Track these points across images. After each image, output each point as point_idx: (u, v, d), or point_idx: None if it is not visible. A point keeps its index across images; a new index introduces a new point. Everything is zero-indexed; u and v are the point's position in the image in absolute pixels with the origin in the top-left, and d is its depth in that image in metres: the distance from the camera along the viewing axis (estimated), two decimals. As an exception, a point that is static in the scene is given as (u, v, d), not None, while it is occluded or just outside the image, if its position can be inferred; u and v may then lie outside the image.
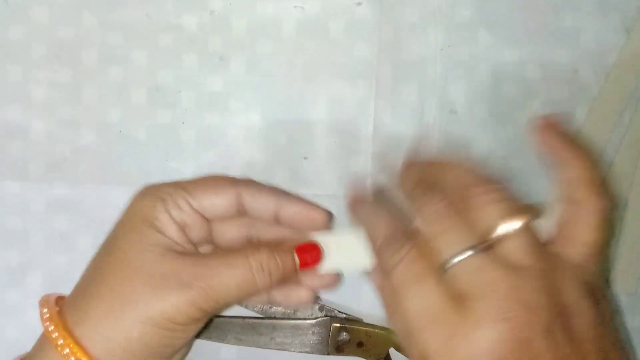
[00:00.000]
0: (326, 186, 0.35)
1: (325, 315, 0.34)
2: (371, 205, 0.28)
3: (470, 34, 0.35)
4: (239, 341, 0.34)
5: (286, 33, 0.35)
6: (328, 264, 0.30)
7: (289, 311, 0.34)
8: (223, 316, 0.34)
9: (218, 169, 0.35)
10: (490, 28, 0.35)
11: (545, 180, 0.35)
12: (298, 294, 0.31)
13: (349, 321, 0.34)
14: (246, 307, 0.34)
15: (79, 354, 0.26)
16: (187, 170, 0.35)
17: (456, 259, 0.24)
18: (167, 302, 0.26)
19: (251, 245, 0.30)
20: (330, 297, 0.35)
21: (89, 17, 0.34)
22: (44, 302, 0.28)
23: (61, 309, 0.28)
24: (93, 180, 0.35)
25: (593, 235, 0.25)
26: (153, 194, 0.29)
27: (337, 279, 0.31)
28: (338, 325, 0.34)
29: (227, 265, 0.27)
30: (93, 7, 0.34)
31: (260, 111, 0.35)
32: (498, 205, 0.25)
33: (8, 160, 0.35)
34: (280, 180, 0.35)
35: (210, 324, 0.34)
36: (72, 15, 0.34)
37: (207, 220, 0.30)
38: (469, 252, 0.23)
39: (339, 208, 0.35)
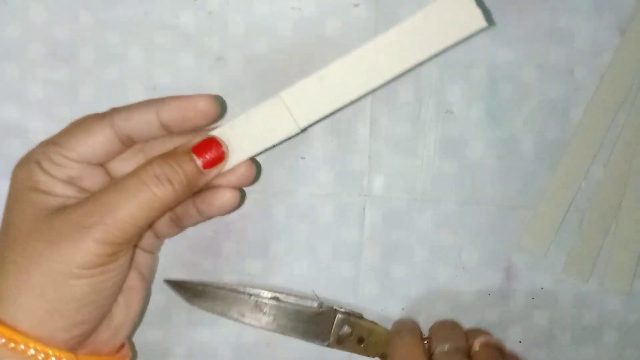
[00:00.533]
0: (323, 186, 0.35)
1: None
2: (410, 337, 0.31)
3: (466, 34, 0.35)
4: (241, 316, 0.34)
5: (283, 33, 0.35)
6: (237, 154, 0.28)
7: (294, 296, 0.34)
8: (231, 290, 0.34)
9: (215, 168, 0.35)
10: (486, 28, 0.35)
11: (541, 181, 0.35)
12: (221, 198, 0.29)
13: (351, 315, 0.34)
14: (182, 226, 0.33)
15: (7, 334, 0.25)
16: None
17: None
18: (67, 252, 0.25)
19: (143, 163, 0.28)
20: (327, 294, 0.35)
21: (86, 16, 0.34)
22: None
23: None
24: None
25: None
26: (27, 160, 0.28)
27: (251, 167, 0.30)
28: (342, 316, 0.34)
29: (120, 190, 0.26)
30: (90, 6, 0.34)
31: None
32: None
33: (5, 159, 0.34)
34: (277, 179, 0.35)
35: (216, 295, 0.33)
36: (69, 13, 0.34)
37: (98, 165, 0.29)
38: None
39: (336, 207, 0.35)
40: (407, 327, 0.33)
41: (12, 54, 0.34)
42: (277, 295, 0.34)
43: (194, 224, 0.33)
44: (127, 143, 0.29)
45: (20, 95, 0.34)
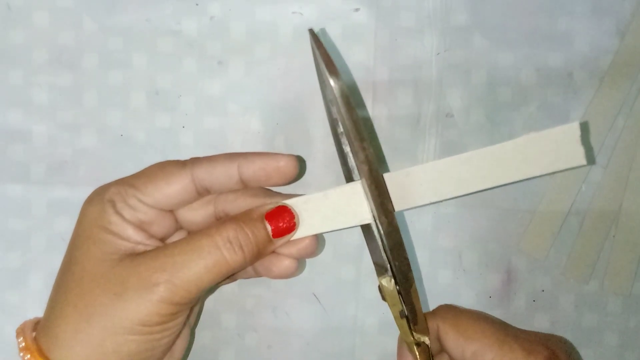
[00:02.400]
0: (324, 188, 0.35)
1: None
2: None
3: (465, 38, 0.35)
4: None
5: (284, 38, 0.35)
6: (304, 229, 0.28)
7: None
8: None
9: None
10: (485, 32, 0.35)
11: (541, 184, 0.36)
12: (279, 265, 0.29)
13: None
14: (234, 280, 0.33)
15: None
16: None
17: None
18: (131, 307, 0.25)
19: (216, 222, 0.28)
20: (327, 297, 0.35)
21: (89, 22, 0.35)
22: (20, 330, 0.27)
23: (37, 335, 0.27)
24: (94, 183, 0.34)
25: None
26: (100, 198, 0.27)
27: (314, 241, 0.29)
28: None
29: (192, 249, 0.26)
30: (93, 12, 0.35)
31: (258, 115, 0.35)
32: None
33: (10, 163, 0.35)
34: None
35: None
36: (72, 20, 0.35)
37: (168, 211, 0.28)
38: None
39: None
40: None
41: (16, 60, 0.35)
42: None
43: (246, 279, 0.32)
44: (203, 193, 0.29)
45: (24, 101, 0.35)
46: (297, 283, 0.36)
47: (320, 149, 0.35)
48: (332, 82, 0.23)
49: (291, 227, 0.28)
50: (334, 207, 0.28)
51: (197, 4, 0.35)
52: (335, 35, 0.35)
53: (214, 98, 0.35)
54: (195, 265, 0.25)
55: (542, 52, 0.35)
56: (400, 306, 0.29)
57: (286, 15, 0.35)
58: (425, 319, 0.29)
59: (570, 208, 0.35)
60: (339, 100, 0.23)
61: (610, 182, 0.35)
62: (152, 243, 0.27)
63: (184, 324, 0.29)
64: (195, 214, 0.29)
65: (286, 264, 0.29)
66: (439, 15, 0.35)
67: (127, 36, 0.35)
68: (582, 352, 0.36)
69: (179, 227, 0.30)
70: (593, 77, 0.35)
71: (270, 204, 0.28)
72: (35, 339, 0.26)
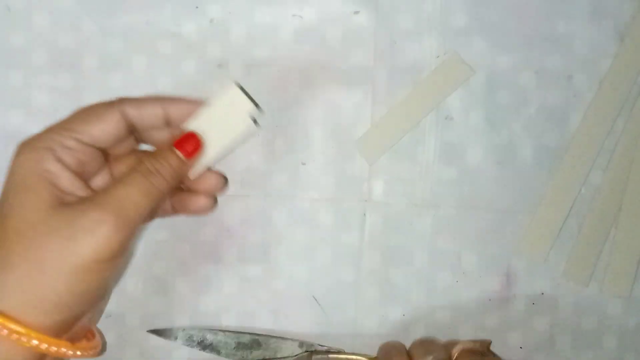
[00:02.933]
0: (324, 190, 0.36)
1: (306, 351, 0.34)
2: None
3: (464, 41, 0.35)
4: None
5: (284, 40, 0.35)
6: (214, 145, 0.31)
7: (269, 354, 0.34)
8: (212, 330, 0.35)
9: (216, 174, 0.35)
10: (485, 35, 0.35)
11: (540, 186, 0.36)
12: (196, 202, 0.32)
13: (331, 353, 0.34)
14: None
15: (10, 325, 0.25)
16: (186, 175, 0.35)
17: None
18: (84, 246, 0.26)
19: (136, 160, 0.30)
20: (327, 299, 0.36)
21: (89, 24, 0.35)
22: None
23: None
24: (93, 185, 0.35)
25: None
26: (33, 145, 0.28)
27: (221, 179, 0.32)
28: (319, 357, 0.34)
29: (125, 183, 0.28)
30: (93, 14, 0.35)
31: (258, 117, 0.35)
32: None
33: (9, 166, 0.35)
34: (278, 185, 0.35)
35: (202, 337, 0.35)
36: (72, 22, 0.35)
37: (99, 150, 0.30)
38: None
39: (336, 212, 0.35)
40: (394, 349, 0.33)
41: (16, 62, 0.35)
42: (258, 338, 0.34)
43: (165, 217, 0.33)
44: (131, 131, 0.30)
45: (24, 102, 0.35)
46: (297, 286, 0.36)
47: (319, 150, 0.35)
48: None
49: (197, 146, 0.30)
50: (223, 115, 0.31)
51: (197, 7, 0.35)
52: (335, 37, 0.35)
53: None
54: (132, 195, 0.27)
55: (542, 54, 0.35)
56: None
57: (286, 18, 0.35)
58: None
59: (569, 211, 0.35)
60: None
61: (610, 185, 0.36)
62: (83, 193, 0.28)
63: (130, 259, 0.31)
64: (122, 163, 0.31)
65: (202, 200, 0.32)
66: (438, 18, 0.35)
67: (127, 38, 0.35)
68: (582, 354, 0.36)
69: (105, 173, 0.31)
70: (592, 79, 0.35)
71: (176, 134, 0.30)
72: None
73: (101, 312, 0.33)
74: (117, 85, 0.35)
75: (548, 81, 0.35)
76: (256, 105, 0.31)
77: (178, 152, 0.30)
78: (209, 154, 0.31)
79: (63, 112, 0.35)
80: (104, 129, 0.29)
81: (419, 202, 0.36)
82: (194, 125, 0.30)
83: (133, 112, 0.30)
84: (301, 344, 0.34)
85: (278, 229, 0.35)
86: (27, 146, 0.28)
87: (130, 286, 0.35)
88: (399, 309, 0.36)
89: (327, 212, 0.36)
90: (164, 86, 0.35)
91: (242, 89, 0.30)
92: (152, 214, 0.32)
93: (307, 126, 0.35)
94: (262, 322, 0.36)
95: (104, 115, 0.29)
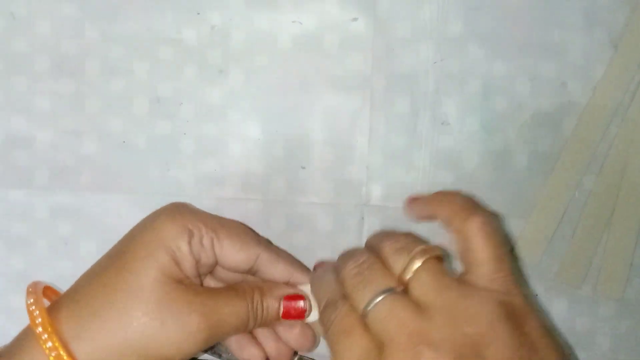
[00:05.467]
0: (323, 195, 0.36)
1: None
2: (322, 272, 0.29)
3: (460, 48, 0.36)
4: None
5: (283, 47, 0.36)
6: (312, 317, 0.30)
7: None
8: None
9: (217, 179, 0.36)
10: (480, 42, 0.36)
11: (534, 191, 0.36)
12: (251, 351, 0.31)
13: None
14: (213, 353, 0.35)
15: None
16: (187, 180, 0.36)
17: (370, 306, 0.24)
18: (170, 339, 0.26)
19: (248, 284, 0.30)
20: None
21: (91, 31, 0.35)
22: (32, 297, 0.28)
23: (55, 313, 0.27)
24: (95, 188, 0.36)
25: (486, 251, 0.25)
26: (183, 221, 0.28)
27: (291, 353, 0.32)
28: None
29: (232, 305, 0.28)
30: (95, 21, 0.35)
31: (258, 122, 0.36)
32: (402, 251, 0.26)
33: (13, 169, 0.36)
34: (277, 189, 0.36)
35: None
36: (75, 28, 0.35)
37: (218, 264, 0.30)
38: (381, 296, 0.24)
39: (335, 216, 0.36)
40: (328, 273, 0.29)
41: (19, 68, 0.35)
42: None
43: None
44: (250, 272, 0.30)
45: (27, 107, 0.35)
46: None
47: (318, 156, 0.36)
48: None
49: (300, 314, 0.30)
50: None
51: (198, 13, 0.35)
52: (333, 44, 0.36)
53: (214, 106, 0.36)
54: (230, 318, 0.28)
55: (536, 62, 0.36)
56: None
57: (285, 25, 0.36)
58: None
59: (563, 215, 0.36)
60: None
61: (603, 189, 0.36)
62: (196, 280, 0.29)
63: None
64: (232, 276, 0.32)
65: (257, 353, 0.31)
66: (435, 26, 0.35)
67: (129, 44, 0.35)
68: (575, 355, 0.37)
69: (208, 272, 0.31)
70: (586, 86, 0.36)
71: (293, 289, 0.30)
72: (53, 318, 0.26)
73: None
74: (119, 90, 0.35)
75: (542, 88, 0.36)
76: None
77: (281, 307, 0.29)
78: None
79: (65, 117, 0.35)
80: (237, 258, 0.29)
81: (416, 206, 0.36)
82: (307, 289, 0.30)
83: (265, 265, 0.30)
84: (301, 358, 0.34)
85: (277, 232, 0.36)
86: (176, 214, 0.29)
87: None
88: (396, 311, 0.36)
89: (325, 216, 0.36)
90: (164, 91, 0.35)
91: None
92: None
93: (305, 131, 0.36)
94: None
95: (247, 248, 0.29)
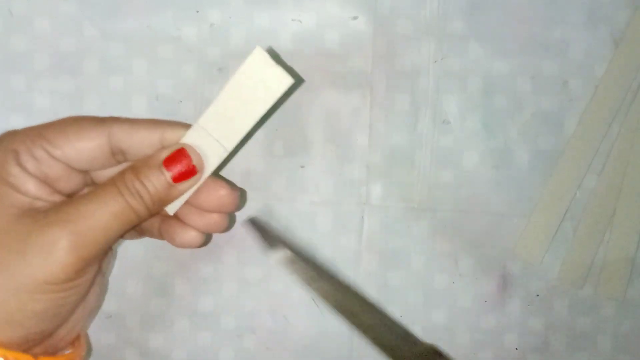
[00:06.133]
0: (323, 194, 0.36)
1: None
2: None
3: (461, 46, 0.35)
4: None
5: (283, 44, 0.35)
6: (208, 168, 0.27)
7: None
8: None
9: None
10: (481, 40, 0.35)
11: (535, 190, 0.36)
12: (183, 235, 0.28)
13: None
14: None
15: None
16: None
17: None
18: (35, 266, 0.23)
19: (118, 172, 0.26)
20: (324, 305, 0.36)
21: (90, 28, 0.35)
22: None
23: None
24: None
25: None
26: (3, 146, 0.25)
27: (223, 218, 0.29)
28: None
29: (96, 199, 0.24)
30: (94, 19, 0.35)
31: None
32: None
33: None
34: (277, 188, 0.36)
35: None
36: (74, 26, 0.35)
37: (78, 170, 0.26)
38: None
39: (335, 215, 0.36)
40: None
41: (18, 66, 0.35)
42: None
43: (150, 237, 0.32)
44: (118, 158, 0.27)
45: (26, 106, 0.35)
46: (296, 287, 0.36)
47: (318, 154, 0.36)
48: (274, 255, 0.27)
49: (191, 170, 0.26)
50: (241, 100, 0.27)
51: (197, 11, 0.35)
52: (334, 42, 0.35)
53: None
54: (101, 214, 0.24)
55: (538, 60, 0.36)
56: None
57: (285, 23, 0.35)
58: None
59: (564, 214, 0.36)
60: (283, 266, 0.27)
61: (604, 189, 0.36)
62: (55, 199, 0.25)
63: (95, 277, 0.27)
64: (109, 174, 0.27)
65: (192, 234, 0.28)
66: (435, 24, 0.35)
67: (128, 42, 0.35)
68: (576, 355, 0.37)
69: (87, 184, 0.28)
70: (588, 85, 0.36)
71: (168, 148, 0.26)
72: None
73: (87, 319, 0.30)
74: (118, 88, 0.35)
75: (544, 86, 0.36)
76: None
77: (166, 173, 0.25)
78: (211, 164, 0.27)
79: (64, 115, 0.35)
80: (81, 149, 0.25)
81: (417, 205, 0.36)
82: (195, 137, 0.26)
83: (123, 136, 0.26)
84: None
85: (277, 231, 0.36)
86: None
87: (129, 287, 0.36)
88: (397, 311, 0.36)
89: (325, 215, 0.36)
90: (164, 89, 0.35)
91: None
92: (124, 236, 0.28)
93: (306, 130, 0.36)
94: (260, 323, 0.36)
95: (86, 133, 0.25)
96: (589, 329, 0.37)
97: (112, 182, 0.25)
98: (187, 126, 0.27)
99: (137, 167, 0.25)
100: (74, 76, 0.35)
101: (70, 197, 0.26)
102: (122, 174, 0.25)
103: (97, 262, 0.26)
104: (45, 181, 0.25)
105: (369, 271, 0.36)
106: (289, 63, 0.35)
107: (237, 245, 0.36)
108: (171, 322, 0.36)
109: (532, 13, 0.35)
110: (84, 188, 0.28)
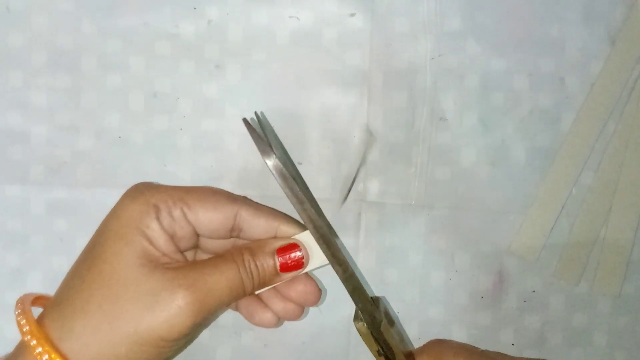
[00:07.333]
0: (320, 190, 0.36)
1: None
2: None
3: (459, 43, 0.36)
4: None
5: (281, 42, 0.35)
6: (312, 265, 0.30)
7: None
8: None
9: (214, 174, 0.36)
10: (479, 38, 0.36)
11: (532, 187, 0.36)
12: (262, 315, 0.31)
13: None
14: None
15: None
16: (184, 175, 0.36)
17: None
18: (159, 320, 0.26)
19: (235, 248, 0.29)
20: (323, 298, 0.36)
21: (88, 25, 0.35)
22: (20, 309, 0.27)
23: (42, 319, 0.27)
24: (92, 184, 0.36)
25: None
26: (144, 198, 0.28)
27: (301, 311, 0.31)
28: None
29: (219, 271, 0.27)
30: (92, 15, 0.35)
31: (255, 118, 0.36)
32: None
33: (9, 164, 0.35)
34: (274, 184, 0.36)
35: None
36: (71, 22, 0.35)
37: (198, 234, 0.29)
38: None
39: (332, 211, 0.36)
40: None
41: (15, 62, 0.35)
42: None
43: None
44: (233, 233, 0.30)
45: (23, 102, 0.35)
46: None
47: (315, 151, 0.36)
48: (266, 162, 0.27)
49: (299, 263, 0.29)
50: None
51: (194, 8, 0.35)
52: (331, 39, 0.35)
53: (211, 101, 0.36)
54: (220, 285, 0.27)
55: (534, 57, 0.36)
56: (376, 346, 0.30)
57: (283, 20, 0.35)
58: (410, 355, 0.31)
59: (561, 211, 0.36)
60: (275, 176, 0.27)
61: (600, 186, 0.36)
62: (175, 256, 0.28)
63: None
64: (218, 243, 0.31)
65: (268, 316, 0.31)
66: (433, 21, 0.35)
67: (126, 39, 0.35)
68: (573, 351, 0.37)
69: (194, 246, 0.30)
70: (584, 82, 0.36)
71: (284, 240, 0.29)
72: (40, 324, 0.26)
73: None
74: (116, 85, 0.35)
75: (541, 83, 0.36)
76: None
77: (277, 261, 0.29)
78: (312, 265, 0.30)
79: (62, 112, 0.35)
80: (212, 219, 0.28)
81: (413, 202, 0.36)
82: (305, 238, 0.30)
83: (247, 217, 0.29)
84: None
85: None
86: (138, 194, 0.28)
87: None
88: (394, 307, 0.36)
89: (323, 212, 0.36)
90: (161, 85, 0.35)
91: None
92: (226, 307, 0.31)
93: (303, 127, 0.36)
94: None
95: (221, 207, 0.28)
96: (584, 325, 0.37)
97: (232, 257, 0.28)
98: (302, 226, 0.30)
99: (253, 249, 0.28)
100: (72, 73, 0.35)
101: (192, 262, 0.28)
102: (240, 253, 0.28)
103: (197, 332, 0.29)
104: (172, 239, 0.28)
105: (366, 267, 0.36)
106: (286, 60, 0.35)
107: (235, 242, 0.36)
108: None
109: (529, 11, 0.36)
110: (192, 250, 0.31)
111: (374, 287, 0.36)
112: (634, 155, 0.36)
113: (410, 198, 0.36)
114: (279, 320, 0.31)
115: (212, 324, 0.36)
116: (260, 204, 0.30)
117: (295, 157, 0.36)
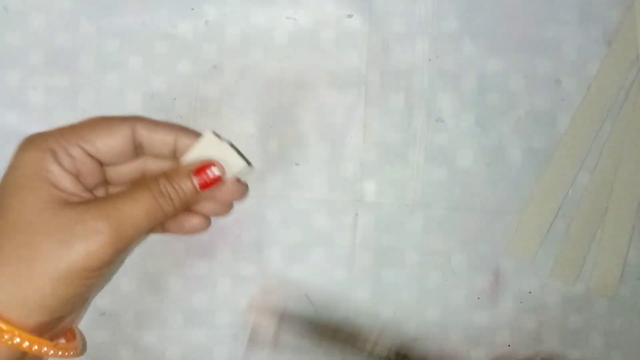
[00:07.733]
0: (317, 191, 0.36)
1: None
2: None
3: (455, 44, 0.36)
4: None
5: (278, 42, 0.36)
6: (229, 173, 0.30)
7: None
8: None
9: (211, 174, 0.36)
10: (475, 39, 0.36)
11: (528, 187, 0.36)
12: (191, 222, 0.31)
13: None
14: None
15: None
16: (181, 175, 0.36)
17: None
18: (78, 253, 0.26)
19: (149, 177, 0.30)
20: (320, 299, 0.36)
21: (86, 25, 0.35)
22: None
23: None
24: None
25: None
26: (40, 144, 0.27)
27: (229, 207, 0.32)
28: None
29: (133, 199, 0.27)
30: (90, 15, 0.35)
31: (252, 118, 0.36)
32: None
33: (5, 164, 0.35)
34: (272, 185, 0.36)
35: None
36: (69, 22, 0.35)
37: (102, 164, 0.29)
38: None
39: (330, 212, 0.36)
40: None
41: (13, 61, 0.35)
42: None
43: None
44: (137, 151, 0.30)
45: (21, 102, 0.35)
46: (290, 285, 0.36)
47: (313, 152, 0.36)
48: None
49: (217, 179, 0.30)
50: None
51: (192, 8, 0.35)
52: (329, 40, 0.36)
53: (208, 101, 0.36)
54: (136, 212, 0.27)
55: (531, 58, 0.36)
56: None
57: (280, 20, 0.35)
58: None
59: (557, 211, 0.36)
60: None
61: (597, 187, 0.36)
62: (84, 194, 0.28)
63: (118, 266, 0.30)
64: (122, 171, 0.31)
65: (198, 220, 0.31)
66: (430, 22, 0.36)
67: (124, 39, 0.35)
68: (569, 352, 0.37)
69: (103, 181, 0.30)
70: (580, 83, 0.36)
71: (197, 163, 0.30)
72: None
73: (83, 313, 0.33)
74: (113, 85, 0.35)
75: (537, 85, 0.36)
76: (244, 158, 0.30)
77: (195, 181, 0.29)
78: (230, 173, 0.30)
79: (59, 111, 0.35)
80: (111, 144, 0.28)
81: (410, 202, 0.36)
82: (212, 145, 0.30)
83: (145, 134, 0.29)
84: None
85: (272, 228, 0.36)
86: (30, 144, 0.28)
87: (124, 284, 0.36)
88: (390, 308, 0.36)
89: (320, 212, 0.36)
90: (159, 86, 0.35)
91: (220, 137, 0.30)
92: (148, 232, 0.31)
93: (300, 127, 0.36)
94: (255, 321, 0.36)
95: (115, 129, 0.28)
96: (581, 325, 0.37)
97: (146, 185, 0.28)
98: (197, 134, 0.30)
99: (169, 174, 0.29)
100: (69, 72, 0.35)
101: (104, 196, 0.29)
102: (154, 179, 0.29)
103: (125, 253, 0.29)
104: (78, 178, 0.28)
105: (363, 268, 0.36)
106: (284, 61, 0.36)
107: (232, 242, 0.36)
108: (165, 319, 0.36)
109: (526, 12, 0.36)
110: (102, 184, 0.31)
111: (371, 288, 0.36)
112: (630, 157, 0.36)
113: (406, 199, 0.36)
114: (210, 221, 0.32)
115: (209, 324, 0.36)
116: (157, 120, 0.30)
117: (292, 158, 0.36)
